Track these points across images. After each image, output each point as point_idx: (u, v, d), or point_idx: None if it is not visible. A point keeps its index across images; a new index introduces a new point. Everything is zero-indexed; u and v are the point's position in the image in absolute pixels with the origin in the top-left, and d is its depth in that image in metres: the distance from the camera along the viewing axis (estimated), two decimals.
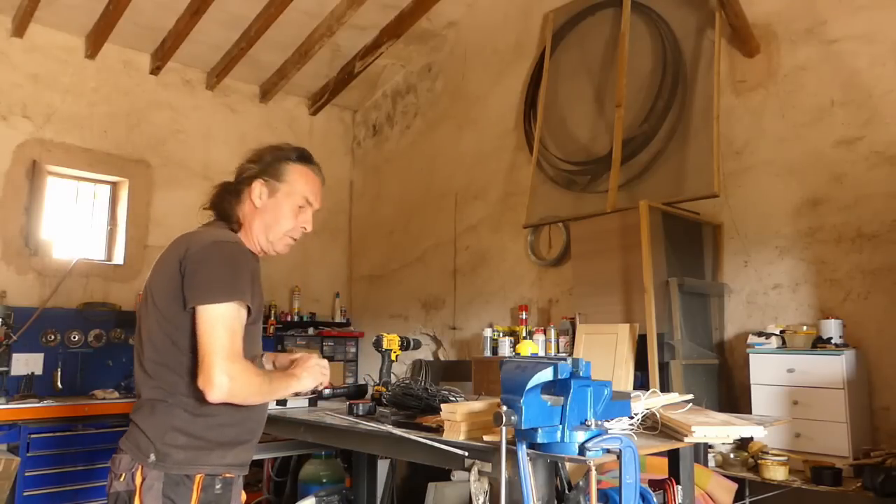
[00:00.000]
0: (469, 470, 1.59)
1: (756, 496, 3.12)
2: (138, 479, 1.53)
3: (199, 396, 1.52)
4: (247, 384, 1.54)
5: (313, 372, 1.80)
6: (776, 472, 3.00)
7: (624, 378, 3.50)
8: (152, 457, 1.53)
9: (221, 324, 1.52)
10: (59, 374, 4.55)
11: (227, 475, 1.61)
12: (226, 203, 1.80)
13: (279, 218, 1.79)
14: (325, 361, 1.86)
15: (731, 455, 3.24)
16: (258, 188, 1.78)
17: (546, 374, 1.36)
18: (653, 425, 1.78)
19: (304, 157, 1.84)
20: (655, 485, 2.01)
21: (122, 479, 1.56)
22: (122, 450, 1.62)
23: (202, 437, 1.58)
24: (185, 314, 1.56)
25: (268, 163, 1.80)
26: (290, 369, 1.80)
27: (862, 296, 3.43)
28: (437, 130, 6.00)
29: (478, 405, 1.79)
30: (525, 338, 4.40)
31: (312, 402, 2.44)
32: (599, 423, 1.40)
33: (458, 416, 1.69)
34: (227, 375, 1.48)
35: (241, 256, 1.63)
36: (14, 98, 4.80)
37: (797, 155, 3.72)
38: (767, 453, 3.11)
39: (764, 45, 3.91)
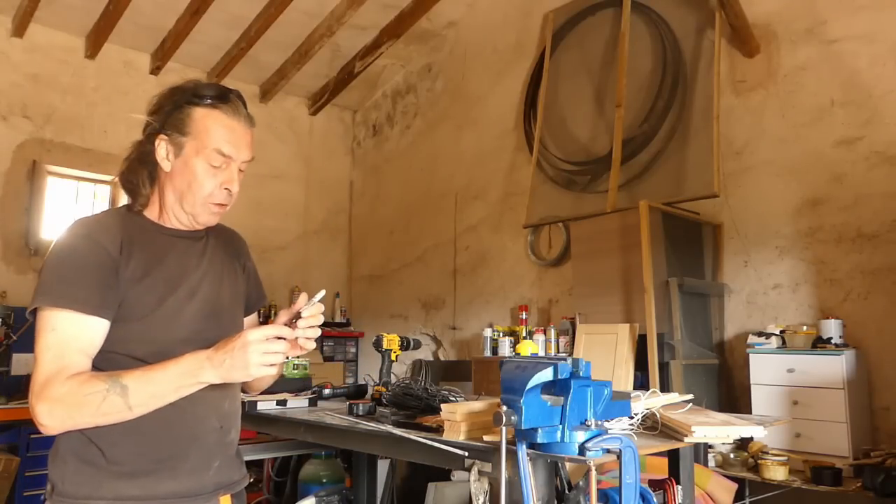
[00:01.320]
0: (469, 470, 1.59)
1: (756, 496, 3.12)
2: None
3: None
4: (73, 405, 1.20)
5: (249, 355, 1.22)
6: (776, 472, 3.00)
7: (624, 378, 3.50)
8: (48, 487, 1.33)
9: (40, 337, 1.25)
10: None
11: None
12: (132, 174, 1.42)
13: (191, 182, 1.37)
14: (282, 331, 1.27)
15: (731, 455, 3.23)
16: (162, 146, 1.38)
17: (546, 374, 1.36)
18: (653, 425, 1.78)
19: (213, 96, 1.39)
20: (655, 485, 2.01)
21: None
22: None
23: (91, 463, 1.29)
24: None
25: (168, 112, 1.38)
26: (211, 349, 1.26)
27: (862, 296, 3.43)
28: (437, 130, 6.00)
29: (478, 405, 1.79)
30: (525, 338, 4.40)
31: (312, 403, 2.44)
32: (599, 423, 1.40)
33: (458, 416, 1.69)
34: (44, 406, 1.20)
35: (76, 250, 1.30)
36: (14, 98, 4.80)
37: (797, 155, 3.72)
38: (767, 453, 3.11)
39: (764, 45, 3.91)
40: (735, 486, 3.03)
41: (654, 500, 1.87)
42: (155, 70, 5.45)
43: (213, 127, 1.38)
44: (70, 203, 5.22)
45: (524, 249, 5.04)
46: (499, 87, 5.46)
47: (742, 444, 3.24)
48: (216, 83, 1.49)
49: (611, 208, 4.02)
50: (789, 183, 3.74)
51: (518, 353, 1.46)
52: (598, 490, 1.57)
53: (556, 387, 1.39)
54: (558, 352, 4.14)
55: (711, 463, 3.27)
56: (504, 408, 1.35)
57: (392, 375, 2.56)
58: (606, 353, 3.62)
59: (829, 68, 3.65)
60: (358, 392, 2.60)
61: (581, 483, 1.72)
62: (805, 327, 3.37)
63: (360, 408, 2.15)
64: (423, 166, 6.06)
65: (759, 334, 3.48)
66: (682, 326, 3.58)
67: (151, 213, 1.43)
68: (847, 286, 3.49)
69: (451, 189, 5.74)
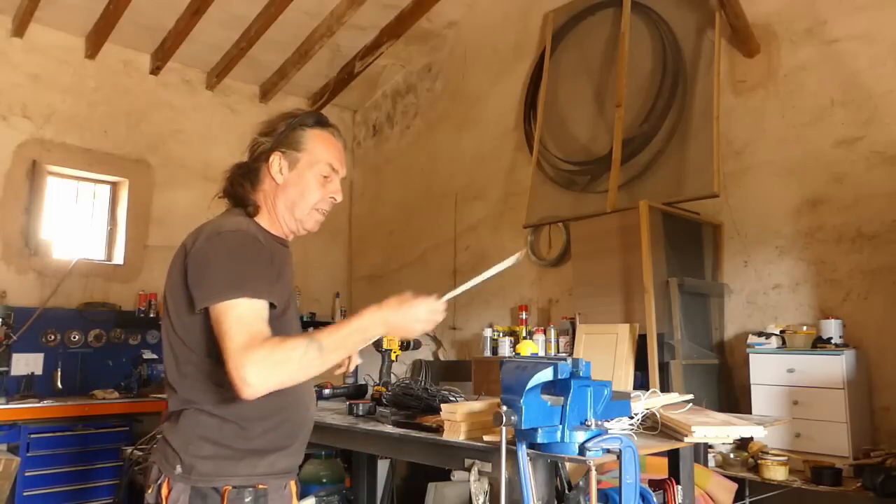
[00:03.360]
0: (469, 470, 1.59)
1: (756, 496, 3.12)
2: (164, 492, 1.43)
3: (225, 402, 1.42)
4: (279, 361, 1.32)
5: (419, 313, 1.51)
6: (776, 472, 3.00)
7: (624, 378, 3.50)
8: (178, 468, 1.43)
9: (234, 320, 1.35)
10: (59, 374, 4.55)
11: (261, 486, 1.45)
12: (239, 188, 1.61)
13: (304, 191, 1.61)
14: (437, 305, 1.54)
15: (731, 455, 3.24)
16: (277, 161, 1.60)
17: (546, 374, 1.36)
18: (653, 425, 1.78)
19: (321, 122, 1.66)
20: (655, 485, 2.01)
21: (150, 491, 1.49)
22: (152, 461, 1.52)
23: (229, 446, 1.44)
24: (195, 317, 1.42)
25: (282, 133, 1.62)
26: (382, 306, 1.49)
27: (862, 296, 3.43)
28: (437, 130, 6.00)
29: (478, 405, 1.79)
30: (525, 338, 4.40)
31: None
32: (599, 423, 1.40)
33: (458, 416, 1.69)
34: (250, 366, 1.29)
35: (249, 245, 1.46)
36: (14, 98, 4.80)
37: (797, 155, 3.72)
38: (767, 453, 3.11)
39: (764, 45, 3.91)
40: (735, 486, 3.03)
41: (654, 500, 1.87)
42: (155, 70, 5.44)
43: (324, 145, 1.64)
44: (70, 203, 5.22)
45: (524, 249, 5.04)
46: (499, 88, 5.46)
47: (742, 444, 3.23)
48: (320, 113, 1.72)
49: (611, 208, 4.02)
50: (789, 183, 3.74)
51: (518, 353, 1.46)
52: (598, 490, 1.57)
53: (556, 387, 1.39)
54: (558, 352, 4.14)
55: (711, 463, 3.27)
56: (504, 408, 1.35)
57: (392, 375, 2.56)
58: (606, 353, 3.62)
59: (829, 68, 3.65)
60: (358, 392, 2.60)
61: (581, 483, 1.73)
62: (805, 327, 3.37)
63: (360, 408, 2.15)
64: (423, 166, 6.06)
65: (759, 334, 3.48)
66: (682, 326, 3.58)
67: (262, 221, 1.61)
68: (847, 286, 3.49)
69: (451, 189, 5.74)
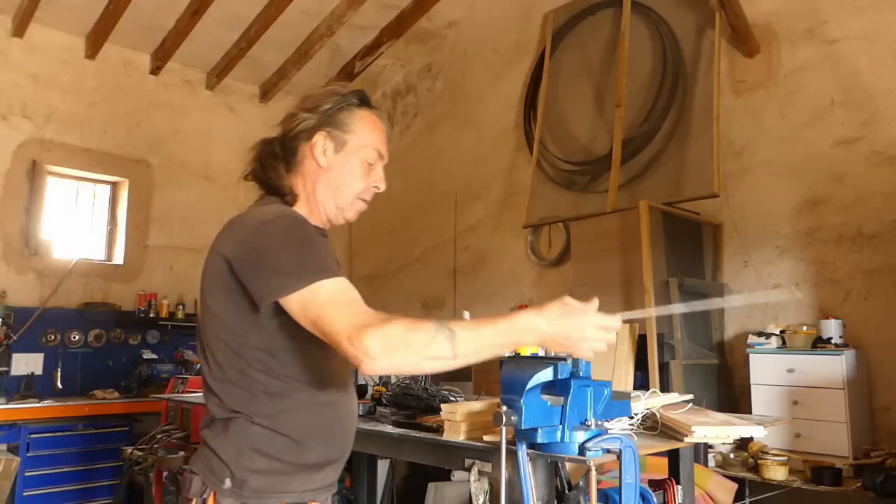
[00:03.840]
0: (469, 470, 1.59)
1: (756, 496, 3.12)
2: None
3: (276, 413, 1.30)
4: (403, 343, 1.14)
5: (585, 330, 1.26)
6: (776, 472, 2.99)
7: (624, 378, 3.50)
8: (228, 482, 1.29)
9: (323, 301, 1.19)
10: (59, 374, 4.55)
11: (313, 503, 1.35)
12: (271, 171, 1.45)
13: (349, 178, 1.46)
14: (616, 323, 1.32)
15: (731, 455, 3.23)
16: (321, 142, 1.44)
17: (546, 374, 1.36)
18: (653, 425, 1.78)
19: (366, 102, 1.52)
20: (655, 485, 2.01)
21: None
22: (192, 471, 1.37)
23: (283, 460, 1.31)
24: (251, 318, 1.29)
25: (328, 110, 1.45)
26: (542, 312, 1.25)
27: (862, 296, 3.43)
28: (437, 130, 6.00)
29: (478, 405, 1.79)
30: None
31: None
32: (599, 423, 1.40)
33: (458, 416, 1.69)
34: (369, 337, 1.13)
35: (305, 227, 1.32)
36: (14, 98, 4.80)
37: (797, 155, 3.72)
38: (767, 453, 3.10)
39: (764, 45, 3.91)
40: (735, 486, 3.03)
41: (654, 500, 1.87)
42: (155, 70, 5.44)
43: (372, 128, 1.49)
44: (70, 203, 5.22)
45: (524, 249, 5.04)
46: (499, 87, 5.46)
47: (742, 444, 3.23)
48: (364, 91, 1.56)
49: (611, 208, 4.02)
50: (789, 183, 3.74)
51: (518, 353, 1.46)
52: (598, 490, 1.57)
53: (556, 387, 1.39)
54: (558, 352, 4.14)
55: (711, 463, 3.27)
56: (504, 408, 1.35)
57: (392, 375, 2.56)
58: (606, 353, 3.60)
59: (829, 68, 3.65)
60: (358, 392, 2.60)
61: (581, 483, 1.72)
62: (805, 327, 3.37)
63: (360, 408, 2.15)
64: (423, 166, 6.06)
65: (759, 334, 3.48)
66: (682, 326, 3.58)
67: (301, 209, 1.46)
68: (847, 286, 3.49)
69: (451, 189, 5.73)
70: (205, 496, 1.32)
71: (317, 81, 6.22)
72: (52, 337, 4.62)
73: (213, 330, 1.35)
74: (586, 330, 1.26)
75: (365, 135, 1.48)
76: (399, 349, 1.15)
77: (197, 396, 3.10)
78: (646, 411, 1.82)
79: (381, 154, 1.51)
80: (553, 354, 1.39)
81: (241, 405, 1.33)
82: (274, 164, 1.45)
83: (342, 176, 1.46)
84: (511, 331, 1.22)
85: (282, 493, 1.31)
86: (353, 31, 5.45)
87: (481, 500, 1.56)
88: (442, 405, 1.79)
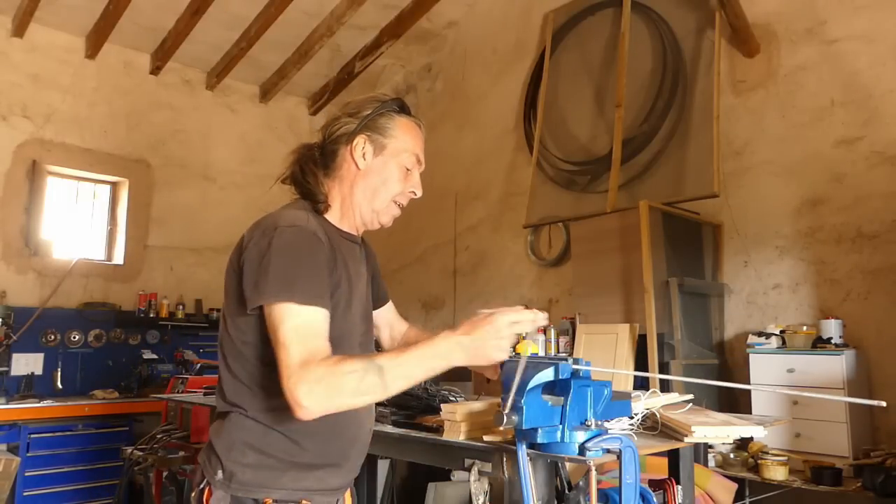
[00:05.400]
0: (469, 470, 1.59)
1: (756, 496, 3.12)
2: (206, 497, 1.37)
3: (272, 410, 1.34)
4: (333, 386, 1.21)
5: (487, 337, 1.33)
6: (776, 472, 2.99)
7: (624, 378, 3.50)
8: (219, 474, 1.35)
9: (291, 331, 1.24)
10: (59, 374, 4.56)
11: (305, 501, 1.36)
12: (311, 176, 1.49)
13: (386, 180, 1.53)
14: (524, 314, 1.39)
15: (731, 455, 3.23)
16: (361, 145, 1.50)
17: (546, 374, 1.36)
18: (653, 425, 1.78)
19: (406, 110, 1.59)
20: (655, 485, 2.01)
21: (193, 494, 1.42)
22: (198, 462, 1.44)
23: (274, 456, 1.35)
24: (248, 317, 1.33)
25: (369, 115, 1.51)
26: (457, 331, 1.33)
27: (862, 296, 3.43)
28: (437, 130, 5.99)
29: (478, 405, 1.79)
30: (525, 338, 4.39)
31: None
32: (599, 423, 1.40)
33: (458, 416, 1.69)
34: (305, 387, 1.20)
35: (306, 243, 1.34)
36: (14, 98, 4.80)
37: (797, 155, 3.72)
38: (767, 453, 3.10)
39: (764, 45, 3.91)
40: (735, 486, 3.03)
41: (654, 500, 1.87)
42: (155, 70, 5.44)
43: (411, 135, 1.58)
44: (70, 203, 5.22)
45: (524, 249, 5.04)
46: (499, 87, 5.45)
47: (742, 444, 3.23)
48: (403, 100, 1.62)
49: (611, 208, 4.02)
50: (789, 183, 3.74)
51: (518, 353, 1.46)
52: (598, 490, 1.57)
53: (557, 387, 1.39)
54: (558, 352, 4.14)
55: (711, 463, 3.27)
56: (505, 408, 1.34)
57: None
58: (606, 353, 3.62)
59: (829, 68, 3.65)
60: None
61: (581, 483, 1.72)
62: (805, 327, 3.37)
63: None
64: (424, 166, 6.05)
65: (759, 334, 3.48)
66: (682, 326, 3.58)
67: (333, 216, 1.52)
68: (847, 286, 3.49)
69: (451, 189, 5.73)
70: (202, 487, 1.38)
71: (317, 81, 6.23)
72: (52, 337, 4.62)
73: (224, 324, 1.41)
74: (501, 329, 1.36)
75: (404, 140, 1.56)
76: (332, 396, 1.22)
77: (197, 396, 3.10)
78: (646, 411, 1.82)
79: (419, 160, 1.60)
80: (553, 354, 1.39)
81: (240, 399, 1.37)
82: (313, 168, 1.50)
83: (380, 178, 1.52)
84: (435, 354, 1.30)
85: (270, 489, 1.34)
86: (353, 31, 5.45)
87: (481, 500, 1.55)
88: (442, 405, 1.79)
